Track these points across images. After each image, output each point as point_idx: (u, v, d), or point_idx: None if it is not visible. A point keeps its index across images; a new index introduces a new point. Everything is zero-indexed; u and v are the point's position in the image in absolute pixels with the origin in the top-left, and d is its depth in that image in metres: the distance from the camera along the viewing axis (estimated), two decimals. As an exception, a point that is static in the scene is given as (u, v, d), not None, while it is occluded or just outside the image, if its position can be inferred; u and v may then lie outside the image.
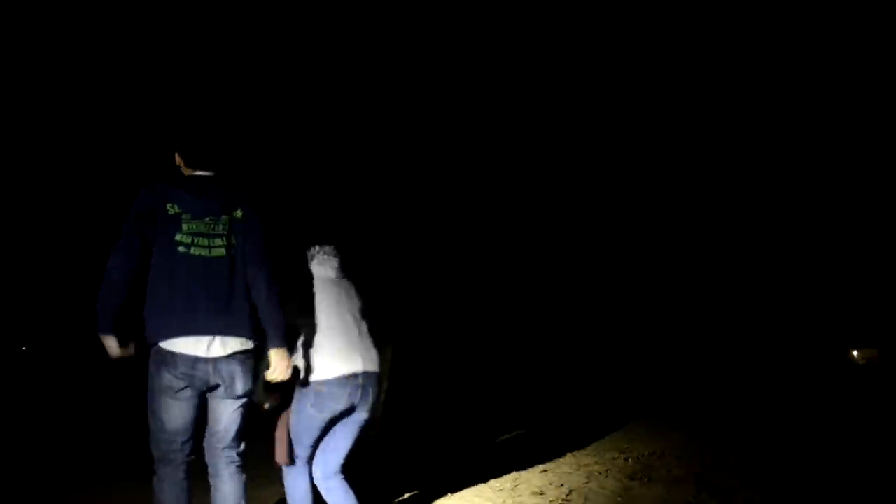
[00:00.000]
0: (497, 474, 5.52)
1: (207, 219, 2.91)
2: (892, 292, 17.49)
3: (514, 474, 5.37)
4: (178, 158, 3.10)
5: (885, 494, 4.56)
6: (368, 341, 3.44)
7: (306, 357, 3.31)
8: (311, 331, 3.35)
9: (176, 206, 2.88)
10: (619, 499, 4.65)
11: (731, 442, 6.73)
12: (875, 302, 17.76)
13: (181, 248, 2.85)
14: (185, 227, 2.87)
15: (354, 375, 3.27)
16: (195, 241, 2.87)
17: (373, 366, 3.38)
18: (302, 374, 3.31)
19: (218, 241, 2.92)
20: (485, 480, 5.16)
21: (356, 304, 3.58)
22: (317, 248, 3.69)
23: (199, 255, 2.86)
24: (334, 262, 3.65)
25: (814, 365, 15.28)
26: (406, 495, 3.84)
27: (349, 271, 3.68)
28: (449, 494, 4.51)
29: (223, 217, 2.95)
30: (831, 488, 4.78)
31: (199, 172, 3.07)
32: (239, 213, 3.01)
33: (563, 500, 4.58)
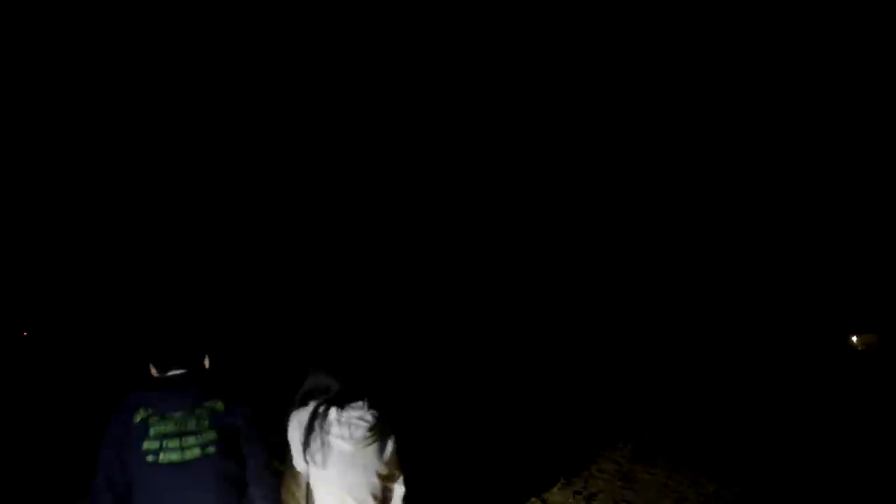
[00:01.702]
0: (496, 456, 5.58)
1: (178, 415, 2.53)
2: (891, 277, 17.52)
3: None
4: (152, 369, 2.74)
5: (885, 479, 4.60)
6: None
7: None
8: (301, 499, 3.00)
9: (142, 410, 2.52)
10: (619, 482, 4.69)
11: (731, 427, 6.78)
12: (874, 287, 17.78)
13: (149, 458, 2.46)
14: (152, 431, 2.49)
15: None
16: (164, 445, 2.49)
17: None
18: None
19: (191, 440, 2.51)
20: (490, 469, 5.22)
21: (367, 484, 3.00)
22: (334, 411, 2.97)
23: (170, 462, 2.47)
24: (361, 430, 2.96)
25: (813, 351, 15.32)
26: None
27: (380, 431, 3.01)
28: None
29: (197, 411, 2.56)
30: (831, 473, 4.82)
31: (171, 373, 2.69)
32: (219, 406, 2.62)
33: (562, 483, 4.62)
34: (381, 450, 3.01)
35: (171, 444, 2.49)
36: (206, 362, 2.79)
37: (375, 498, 2.99)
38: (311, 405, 2.99)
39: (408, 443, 3.74)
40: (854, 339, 16.88)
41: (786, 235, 19.30)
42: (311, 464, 2.92)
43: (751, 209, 19.58)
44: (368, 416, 2.97)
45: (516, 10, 19.74)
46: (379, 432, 2.99)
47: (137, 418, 2.50)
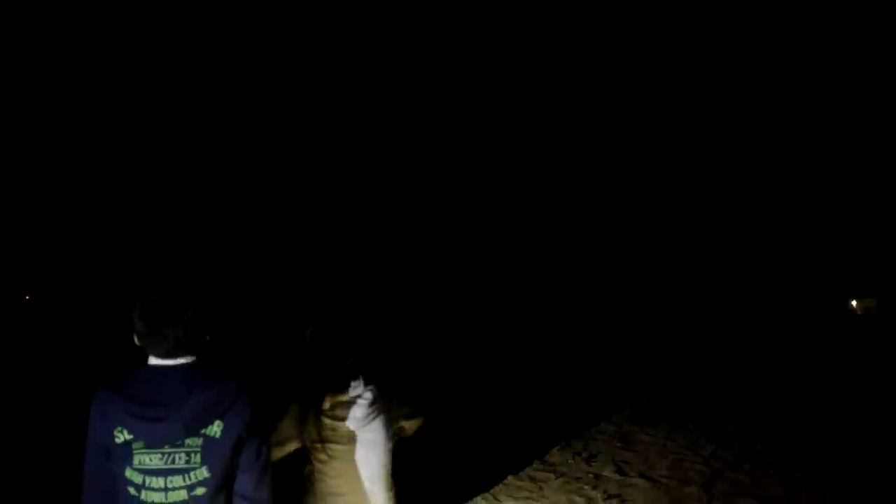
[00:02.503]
0: (499, 419, 5.63)
1: (166, 447, 2.23)
2: (889, 243, 17.52)
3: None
4: (135, 338, 2.34)
5: (882, 437, 4.64)
6: (378, 501, 2.89)
7: None
8: (308, 484, 2.86)
9: (125, 432, 2.20)
10: (619, 443, 4.74)
11: (730, 390, 6.83)
12: (873, 253, 17.79)
13: (132, 490, 2.21)
14: (135, 460, 2.21)
15: None
16: (146, 482, 2.21)
17: None
18: None
19: (177, 481, 2.23)
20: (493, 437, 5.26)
21: (377, 460, 2.92)
22: (333, 392, 2.86)
23: (152, 503, 2.19)
24: (361, 409, 2.90)
25: (813, 315, 15.37)
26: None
27: (382, 405, 2.96)
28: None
29: (188, 441, 2.24)
30: (828, 432, 4.86)
31: (162, 362, 2.27)
32: (216, 431, 2.27)
33: (562, 445, 4.66)
34: (386, 425, 3.02)
35: (155, 484, 2.21)
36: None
37: (387, 471, 3.01)
38: (309, 388, 3.00)
39: (411, 408, 3.75)
40: (854, 303, 16.95)
41: (787, 202, 19.25)
42: (315, 451, 2.93)
43: (752, 176, 19.50)
44: (367, 394, 2.97)
45: (516, 10, 19.59)
46: (381, 408, 3.00)
47: (119, 438, 2.17)
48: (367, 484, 2.91)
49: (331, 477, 2.90)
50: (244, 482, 2.26)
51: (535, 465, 4.21)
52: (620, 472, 4.05)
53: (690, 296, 17.54)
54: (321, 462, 2.92)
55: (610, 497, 3.57)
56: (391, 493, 3.01)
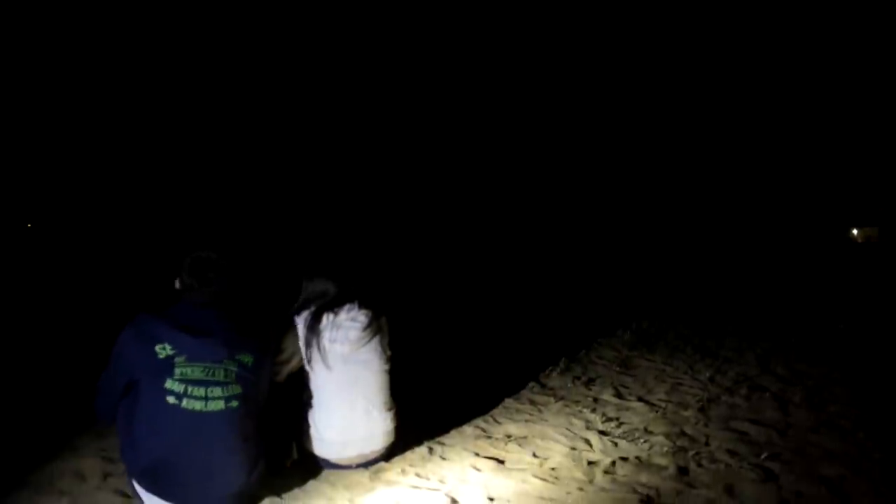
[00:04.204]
0: (498, 343, 5.69)
1: (207, 363, 2.42)
2: (890, 172, 17.42)
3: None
4: (177, 283, 2.60)
5: (883, 364, 4.70)
6: (377, 422, 3.00)
7: (304, 423, 2.98)
8: (308, 403, 3.00)
9: (168, 347, 2.39)
10: (618, 368, 4.79)
11: (729, 315, 6.88)
12: (874, 181, 17.71)
13: (171, 399, 2.35)
14: (177, 371, 2.37)
15: (349, 459, 2.96)
16: (188, 391, 2.36)
17: (374, 446, 2.99)
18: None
19: (216, 391, 2.41)
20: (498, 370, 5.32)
21: (374, 379, 3.02)
22: (330, 315, 3.00)
23: (192, 410, 2.36)
24: (355, 331, 2.99)
25: (814, 243, 15.39)
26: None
27: (375, 329, 3.05)
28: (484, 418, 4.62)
29: (226, 363, 2.46)
30: (824, 360, 4.92)
31: (199, 304, 2.55)
32: (248, 359, 2.53)
33: (561, 370, 4.71)
34: (381, 347, 3.05)
35: (197, 392, 2.37)
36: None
37: (384, 392, 3.05)
38: (307, 312, 3.02)
39: (407, 334, 3.79)
40: (855, 231, 16.96)
41: (788, 131, 19.07)
42: (313, 369, 2.97)
43: (754, 104, 19.26)
44: (361, 317, 3.01)
45: (516, 10, 19.11)
46: (374, 331, 3.03)
47: (162, 353, 2.38)
48: (364, 403, 2.96)
49: (328, 395, 2.96)
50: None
51: (534, 389, 4.27)
52: (619, 395, 4.11)
53: (690, 221, 17.55)
54: (319, 381, 2.97)
55: (608, 420, 3.62)
56: (391, 414, 3.06)
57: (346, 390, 2.95)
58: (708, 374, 4.54)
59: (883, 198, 17.16)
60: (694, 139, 19.50)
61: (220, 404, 2.41)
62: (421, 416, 3.50)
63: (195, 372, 2.39)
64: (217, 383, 2.41)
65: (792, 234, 16.46)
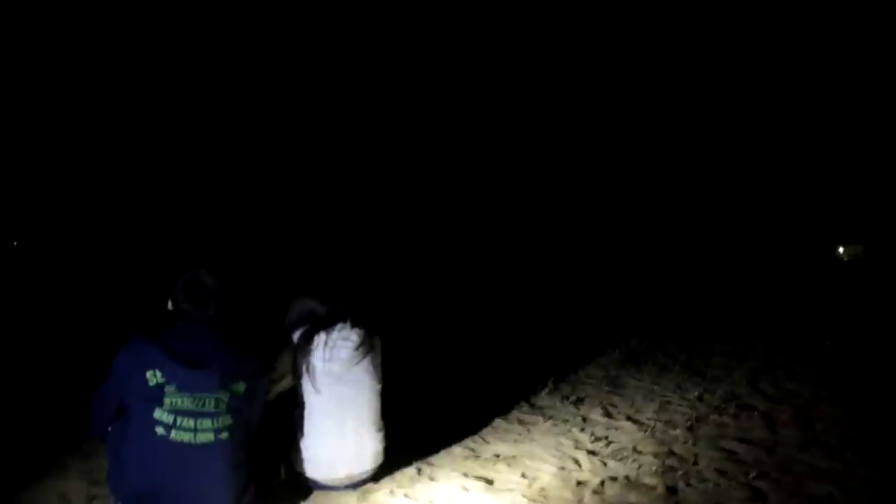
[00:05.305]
0: (487, 363, 5.69)
1: (197, 394, 2.37)
2: (877, 188, 17.59)
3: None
4: (170, 304, 2.58)
5: (870, 384, 4.73)
6: (366, 443, 2.99)
7: (293, 442, 2.98)
8: (298, 423, 2.98)
9: (158, 375, 2.34)
10: (607, 387, 4.80)
11: (716, 333, 6.91)
12: (861, 198, 17.87)
13: (160, 430, 2.32)
14: (167, 401, 2.33)
15: (338, 480, 2.95)
16: (177, 422, 2.33)
17: (363, 466, 2.98)
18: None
19: (206, 423, 2.37)
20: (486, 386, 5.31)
21: (365, 400, 3.00)
22: (322, 334, 2.99)
23: (181, 442, 2.32)
24: (346, 350, 2.98)
25: (801, 261, 15.49)
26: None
27: (367, 348, 3.03)
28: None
29: (217, 391, 2.41)
30: (811, 378, 4.94)
31: (194, 327, 2.52)
32: (240, 388, 2.48)
33: (550, 389, 4.71)
34: (372, 367, 3.05)
35: (186, 424, 2.34)
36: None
37: (375, 413, 3.04)
38: (299, 331, 3.02)
39: (397, 353, 3.79)
40: (841, 249, 17.08)
41: (775, 148, 19.23)
42: (304, 389, 2.96)
43: (738, 120, 19.43)
44: (353, 336, 3.01)
45: (517, 10, 19.25)
46: (366, 350, 3.03)
47: (152, 381, 2.34)
48: (354, 424, 2.96)
49: (318, 415, 2.95)
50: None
51: (523, 408, 4.27)
52: (607, 414, 4.11)
53: (677, 239, 17.64)
54: (309, 401, 2.96)
55: (597, 439, 3.63)
56: (380, 435, 3.06)
57: (337, 411, 2.94)
58: (696, 393, 4.55)
59: (868, 214, 17.32)
60: (682, 154, 19.61)
61: (210, 436, 2.37)
62: (409, 436, 3.49)
63: (185, 402, 2.35)
64: (207, 414, 2.38)
65: (779, 251, 16.56)
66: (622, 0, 19.23)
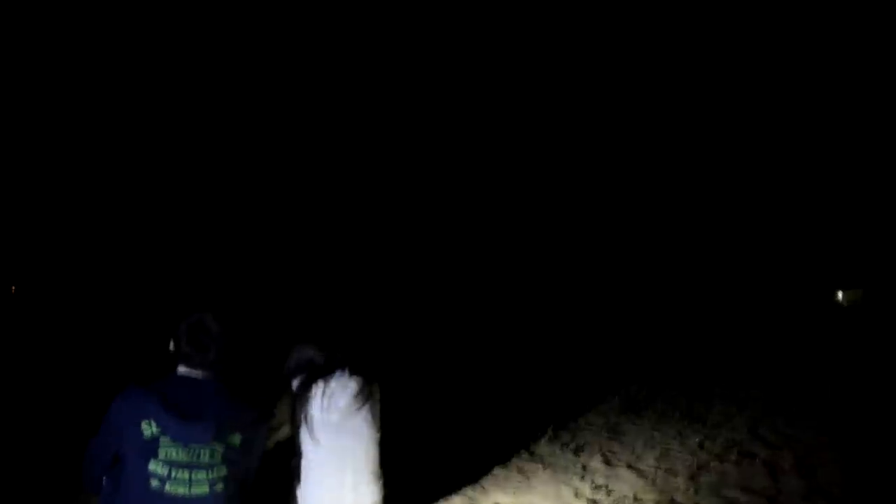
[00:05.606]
0: (485, 410, 5.65)
1: (192, 445, 2.35)
2: (876, 232, 17.65)
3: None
4: (171, 345, 2.58)
5: (870, 433, 4.69)
6: (364, 494, 2.95)
7: (291, 492, 2.96)
8: (296, 472, 2.96)
9: (153, 425, 2.33)
10: (607, 434, 4.76)
11: (717, 379, 6.87)
12: (860, 241, 17.92)
13: (154, 483, 2.30)
14: (162, 452, 2.32)
15: None
16: (172, 475, 2.31)
17: None
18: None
19: (201, 475, 2.36)
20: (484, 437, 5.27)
21: (363, 450, 2.97)
22: (320, 383, 2.97)
23: (175, 494, 2.31)
24: (345, 399, 2.96)
25: (800, 306, 15.48)
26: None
27: (366, 395, 3.00)
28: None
29: (213, 443, 2.39)
30: (813, 424, 4.91)
31: (194, 373, 2.51)
32: (237, 439, 2.45)
33: (549, 437, 4.68)
34: (371, 415, 3.03)
35: (181, 476, 2.33)
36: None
37: (373, 462, 3.01)
38: (297, 380, 3.01)
39: (395, 401, 3.78)
40: (840, 294, 17.06)
41: (772, 190, 19.34)
42: (302, 439, 2.94)
43: (739, 162, 19.57)
44: (352, 384, 3.00)
45: (517, 10, 19.57)
46: (365, 398, 3.01)
47: (147, 432, 2.32)
48: (352, 476, 2.93)
49: (316, 466, 2.92)
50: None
51: (523, 457, 4.24)
52: (607, 462, 4.07)
53: (676, 284, 17.63)
54: (307, 450, 2.94)
55: (597, 487, 3.59)
56: (378, 485, 3.02)
57: (335, 462, 2.92)
58: (697, 440, 4.51)
59: (867, 259, 17.35)
60: (680, 196, 19.69)
61: (205, 488, 2.35)
62: (408, 485, 3.46)
63: (180, 454, 2.33)
64: (202, 466, 2.36)
65: (778, 295, 16.54)
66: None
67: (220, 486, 2.38)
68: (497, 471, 3.95)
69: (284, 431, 2.95)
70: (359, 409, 2.97)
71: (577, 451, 4.33)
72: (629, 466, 3.99)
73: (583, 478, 3.78)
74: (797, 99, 18.72)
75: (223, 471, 2.40)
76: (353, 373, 3.03)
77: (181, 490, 2.31)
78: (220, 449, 2.40)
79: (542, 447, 4.46)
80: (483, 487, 3.65)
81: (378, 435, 3.05)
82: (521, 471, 3.95)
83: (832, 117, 18.57)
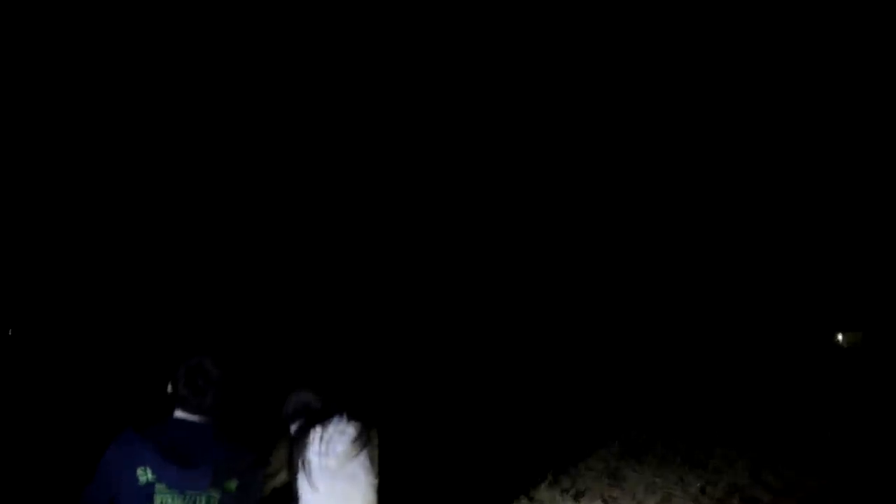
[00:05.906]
0: (485, 455, 5.59)
1: (188, 492, 2.35)
2: (875, 277, 17.67)
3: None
4: (169, 387, 2.54)
5: (868, 473, 4.65)
6: None
7: None
8: None
9: (149, 472, 2.31)
10: (607, 479, 4.71)
11: (718, 423, 6.82)
12: (860, 285, 17.93)
13: None
14: (157, 499, 2.31)
15: None
16: None
17: None
18: None
19: None
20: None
21: (361, 497, 2.92)
22: (318, 428, 2.92)
23: None
24: (343, 444, 2.92)
25: (800, 348, 15.43)
26: None
27: (364, 441, 2.95)
28: None
29: (209, 490, 2.36)
30: (815, 468, 4.86)
31: (190, 418, 2.49)
32: (233, 485, 2.42)
33: (549, 482, 4.63)
34: (369, 461, 2.99)
35: None
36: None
37: None
38: (294, 425, 2.99)
39: (397, 444, 3.75)
40: (840, 337, 17.03)
41: (774, 235, 19.41)
42: (299, 486, 2.90)
43: (739, 208, 19.67)
44: (350, 429, 2.97)
45: (517, 10, 19.77)
46: (363, 443, 2.98)
47: (143, 478, 2.28)
48: None
49: None
50: None
51: (522, 502, 4.18)
52: (608, 508, 4.03)
53: (677, 327, 17.58)
54: (305, 496, 2.90)
55: (598, 534, 3.55)
56: None
57: None
58: (699, 486, 4.47)
59: (867, 302, 17.35)
60: (681, 243, 19.72)
61: None
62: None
63: (175, 501, 2.30)
64: None
65: (778, 338, 16.50)
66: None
67: None
68: (497, 517, 3.90)
69: (281, 478, 2.91)
70: (357, 454, 2.93)
71: (578, 497, 4.28)
72: (630, 512, 3.95)
73: (583, 524, 3.74)
74: (799, 134, 18.82)
75: None
76: (350, 418, 3.00)
77: None
78: (216, 495, 2.34)
79: (542, 492, 4.40)
80: (482, 534, 3.60)
81: (376, 480, 3.01)
82: (520, 517, 3.91)
83: (835, 155, 18.67)
